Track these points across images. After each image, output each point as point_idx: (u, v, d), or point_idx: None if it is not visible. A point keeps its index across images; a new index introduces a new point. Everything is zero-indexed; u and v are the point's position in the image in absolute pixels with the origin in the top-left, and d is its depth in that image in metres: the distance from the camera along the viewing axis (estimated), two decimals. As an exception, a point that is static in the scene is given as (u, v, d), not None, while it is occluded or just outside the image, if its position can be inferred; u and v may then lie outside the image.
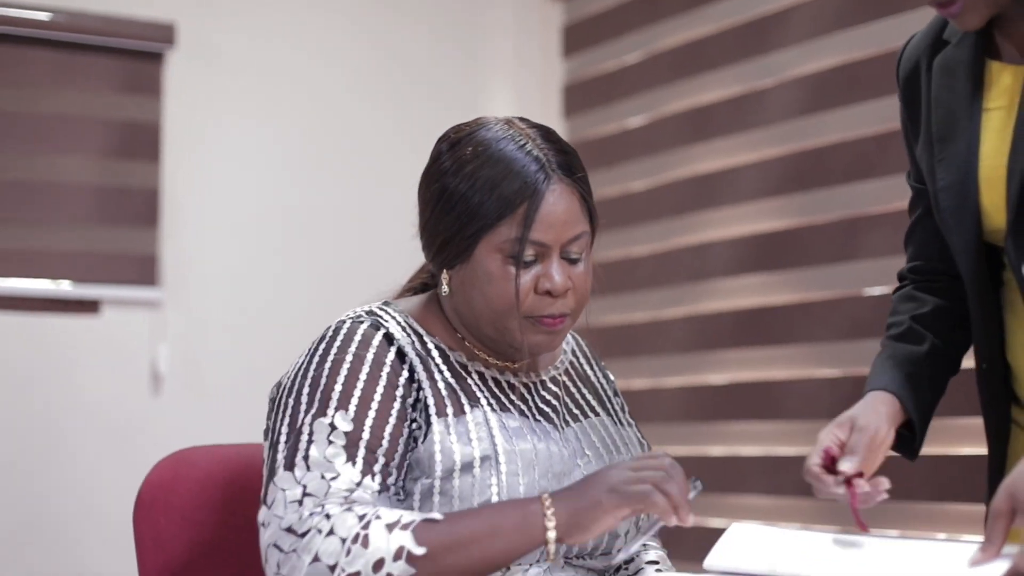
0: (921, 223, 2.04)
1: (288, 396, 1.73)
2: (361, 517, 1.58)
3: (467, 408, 1.75)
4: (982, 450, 1.99)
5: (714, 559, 1.72)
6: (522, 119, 1.81)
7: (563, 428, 1.84)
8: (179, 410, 3.85)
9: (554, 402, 1.87)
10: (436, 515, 1.60)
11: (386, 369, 1.73)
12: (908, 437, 1.93)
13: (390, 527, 1.57)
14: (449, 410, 1.73)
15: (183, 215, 3.92)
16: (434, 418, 1.72)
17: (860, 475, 1.77)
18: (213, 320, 3.94)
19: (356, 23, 4.19)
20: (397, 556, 1.56)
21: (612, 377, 2.04)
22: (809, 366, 3.39)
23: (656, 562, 1.93)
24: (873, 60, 3.26)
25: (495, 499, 1.69)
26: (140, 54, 3.88)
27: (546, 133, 1.80)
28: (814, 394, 3.35)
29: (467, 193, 1.73)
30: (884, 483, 1.76)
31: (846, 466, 1.76)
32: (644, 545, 1.96)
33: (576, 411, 1.89)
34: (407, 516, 1.59)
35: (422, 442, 1.71)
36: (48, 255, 3.76)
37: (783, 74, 3.54)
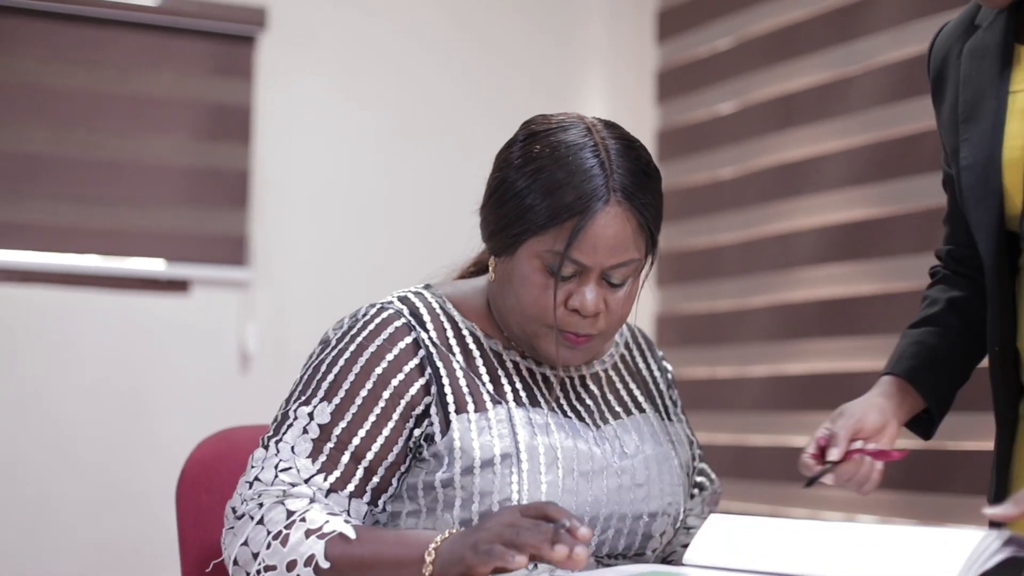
0: (954, 207, 2.02)
1: (301, 373, 1.76)
2: (289, 514, 1.62)
3: (489, 405, 1.72)
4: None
5: (693, 553, 1.71)
6: (610, 127, 1.73)
7: (599, 426, 1.80)
8: (267, 389, 3.89)
9: (588, 401, 1.82)
10: (351, 532, 1.60)
11: (383, 363, 1.71)
12: (926, 419, 1.97)
13: (308, 533, 1.60)
14: (470, 406, 1.71)
15: (273, 196, 3.97)
16: (453, 414, 1.70)
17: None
18: (301, 300, 3.98)
19: (448, 6, 4.21)
20: (307, 563, 1.58)
21: (669, 368, 1.99)
22: (892, 358, 3.33)
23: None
24: (961, 47, 3.19)
25: (515, 497, 1.67)
26: (232, 37, 3.93)
27: (624, 149, 1.70)
28: (897, 386, 3.30)
29: (523, 192, 1.68)
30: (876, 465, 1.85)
31: (832, 454, 1.81)
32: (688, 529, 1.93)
33: (618, 408, 1.85)
34: (330, 524, 1.61)
35: (441, 437, 1.70)
36: (139, 235, 3.83)
37: (871, 61, 3.49)
